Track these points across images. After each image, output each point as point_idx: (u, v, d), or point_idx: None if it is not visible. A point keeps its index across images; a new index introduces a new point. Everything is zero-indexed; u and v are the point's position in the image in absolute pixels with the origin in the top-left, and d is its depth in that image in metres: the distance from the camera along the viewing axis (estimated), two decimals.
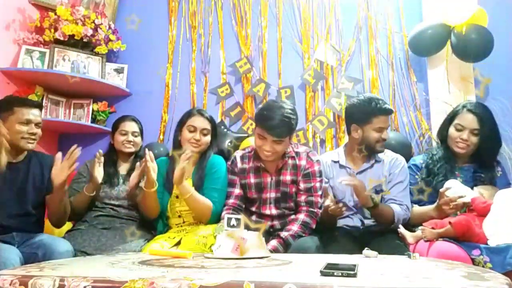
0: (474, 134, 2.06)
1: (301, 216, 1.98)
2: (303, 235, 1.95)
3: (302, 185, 2.03)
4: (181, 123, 2.19)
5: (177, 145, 2.20)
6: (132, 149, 2.35)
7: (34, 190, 2.00)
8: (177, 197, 2.09)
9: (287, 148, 2.06)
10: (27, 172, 2.00)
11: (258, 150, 2.03)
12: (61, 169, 1.89)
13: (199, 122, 2.14)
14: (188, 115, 2.18)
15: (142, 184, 2.19)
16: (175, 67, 3.19)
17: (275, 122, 1.91)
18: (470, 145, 2.07)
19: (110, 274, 1.05)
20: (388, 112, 2.05)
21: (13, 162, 1.97)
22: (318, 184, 2.04)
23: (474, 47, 2.50)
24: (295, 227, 1.95)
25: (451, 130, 2.11)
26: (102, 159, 2.15)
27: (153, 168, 1.97)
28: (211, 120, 2.20)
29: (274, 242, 1.90)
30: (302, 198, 2.02)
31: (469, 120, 2.07)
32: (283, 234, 1.93)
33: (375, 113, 2.01)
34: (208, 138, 2.17)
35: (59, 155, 1.91)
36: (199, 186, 2.09)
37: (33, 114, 1.98)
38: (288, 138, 1.98)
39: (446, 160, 2.10)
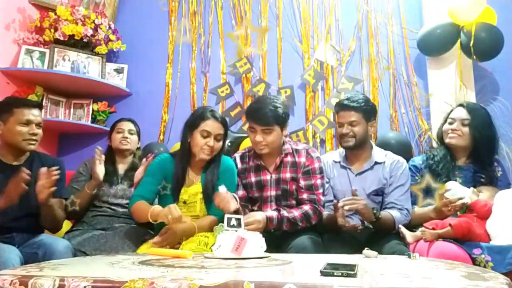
0: (464, 125, 2.10)
1: (306, 207, 1.98)
2: (300, 224, 1.94)
3: (302, 182, 2.03)
4: (193, 126, 1.98)
5: (187, 149, 2.01)
6: (128, 146, 2.37)
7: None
8: (184, 202, 1.99)
9: (285, 145, 2.06)
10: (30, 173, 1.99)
11: (252, 145, 2.05)
12: (42, 187, 1.82)
13: (213, 127, 1.95)
14: (202, 118, 1.97)
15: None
16: (175, 67, 3.19)
17: (262, 111, 1.95)
18: (461, 135, 2.10)
19: (110, 274, 1.04)
20: (339, 106, 2.10)
21: (16, 164, 1.96)
22: (319, 181, 2.04)
23: (485, 46, 2.51)
24: (296, 213, 1.95)
25: (445, 126, 2.18)
26: (103, 156, 2.21)
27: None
28: (225, 123, 2.02)
29: (273, 213, 1.92)
30: (305, 196, 2.01)
31: (459, 112, 2.15)
32: (283, 212, 1.94)
33: (336, 109, 2.13)
34: (220, 144, 2.00)
35: (44, 169, 1.83)
36: (210, 192, 1.96)
37: (33, 114, 1.96)
38: (278, 128, 1.97)
39: (447, 160, 2.11)
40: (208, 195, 1.96)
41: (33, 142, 1.96)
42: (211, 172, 2.01)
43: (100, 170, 2.18)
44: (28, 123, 1.93)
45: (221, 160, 2.06)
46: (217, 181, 1.98)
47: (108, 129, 2.54)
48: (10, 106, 1.96)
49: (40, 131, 1.99)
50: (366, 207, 1.88)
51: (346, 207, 1.84)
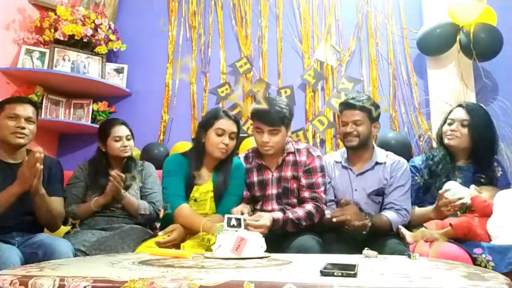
0: (463, 126, 2.09)
1: (308, 206, 1.98)
2: (304, 223, 1.94)
3: (303, 181, 2.03)
4: (207, 125, 2.02)
5: (202, 148, 2.04)
6: (129, 153, 2.30)
7: None
8: (195, 200, 2.02)
9: (287, 144, 2.08)
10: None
11: (258, 145, 2.06)
12: (24, 174, 1.78)
13: (228, 125, 2.01)
14: (215, 117, 2.02)
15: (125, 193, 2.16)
16: (175, 67, 3.19)
17: (269, 112, 1.98)
18: (460, 137, 2.09)
19: (110, 274, 1.04)
20: (343, 105, 2.12)
21: (13, 162, 1.96)
22: (320, 180, 2.04)
23: (484, 46, 2.51)
24: (300, 212, 1.95)
25: (444, 127, 2.17)
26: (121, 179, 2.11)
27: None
28: (237, 122, 2.08)
29: (279, 215, 1.91)
30: (306, 194, 2.02)
31: (459, 113, 2.14)
32: (288, 213, 1.94)
33: (341, 109, 2.15)
34: (234, 142, 2.05)
35: (25, 159, 1.80)
36: (221, 191, 2.02)
37: (23, 109, 1.94)
38: (284, 129, 2.00)
39: (446, 161, 2.11)
40: (219, 193, 2.01)
41: (21, 136, 1.92)
42: (223, 171, 2.05)
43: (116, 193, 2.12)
44: (15, 117, 1.92)
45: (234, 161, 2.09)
46: (229, 180, 2.03)
47: None
48: (3, 104, 1.97)
49: (31, 127, 1.96)
50: (354, 215, 1.85)
51: (334, 220, 1.84)
